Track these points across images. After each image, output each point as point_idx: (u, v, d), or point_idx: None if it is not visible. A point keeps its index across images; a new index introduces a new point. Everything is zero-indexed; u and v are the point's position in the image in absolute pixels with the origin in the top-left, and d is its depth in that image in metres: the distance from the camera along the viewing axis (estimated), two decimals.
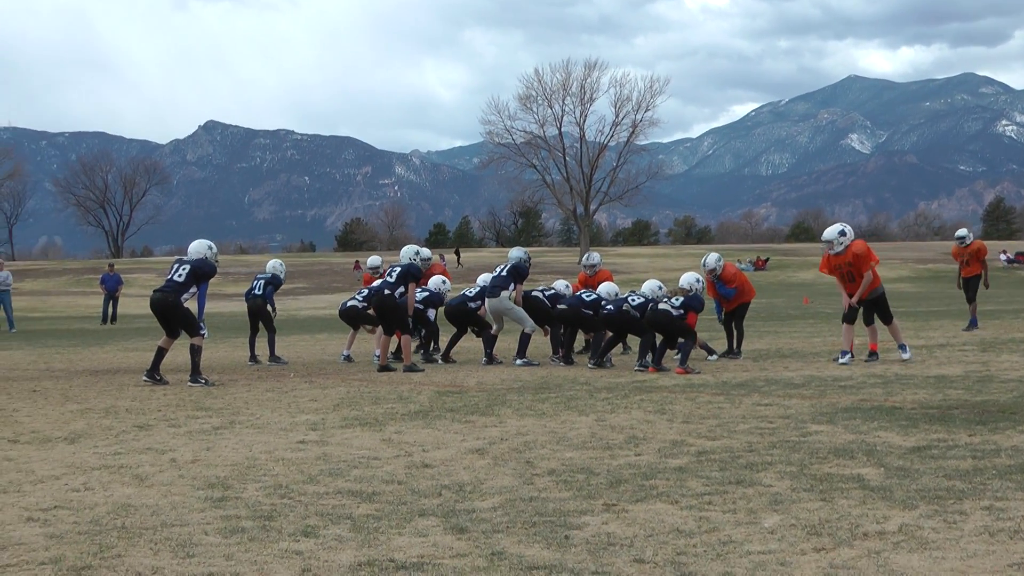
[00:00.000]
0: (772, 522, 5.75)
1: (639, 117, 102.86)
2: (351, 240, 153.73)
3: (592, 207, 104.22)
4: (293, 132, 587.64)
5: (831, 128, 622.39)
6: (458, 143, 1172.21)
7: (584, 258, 19.52)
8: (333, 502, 6.54)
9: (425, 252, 18.09)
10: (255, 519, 6.09)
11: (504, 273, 16.94)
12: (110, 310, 38.98)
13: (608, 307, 15.90)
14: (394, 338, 16.57)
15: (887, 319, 15.56)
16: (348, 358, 17.92)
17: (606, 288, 16.78)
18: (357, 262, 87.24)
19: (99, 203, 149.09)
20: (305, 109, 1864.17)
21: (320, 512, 6.25)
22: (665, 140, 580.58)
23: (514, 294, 16.68)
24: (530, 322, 16.66)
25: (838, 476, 6.93)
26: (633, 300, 15.74)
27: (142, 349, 21.95)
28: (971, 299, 21.88)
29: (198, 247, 15.07)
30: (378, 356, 16.64)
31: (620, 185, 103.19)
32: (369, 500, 6.57)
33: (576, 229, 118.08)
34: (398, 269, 16.09)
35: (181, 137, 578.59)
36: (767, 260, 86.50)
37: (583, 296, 16.60)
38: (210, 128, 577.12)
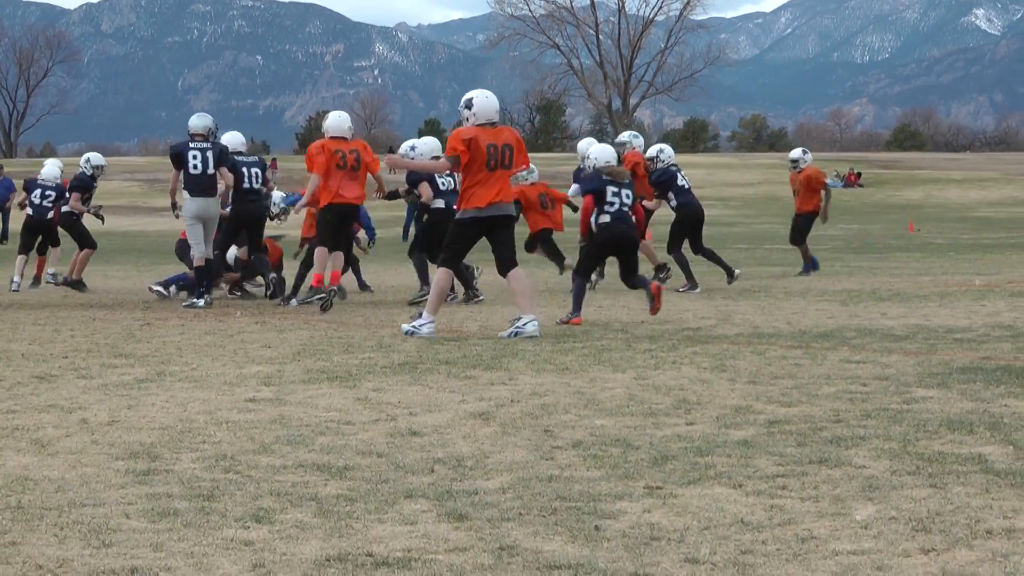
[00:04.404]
0: (866, 514, 5.74)
1: None
2: (316, 139, 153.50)
3: (632, 101, 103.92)
4: None
5: (949, 1, 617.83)
6: (457, 15, 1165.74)
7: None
8: (293, 478, 6.55)
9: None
10: (191, 499, 6.10)
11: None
12: (0, 225, 39.03)
13: None
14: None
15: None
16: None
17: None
18: (274, 160, 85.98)
19: None
20: None
21: (276, 491, 6.26)
22: (729, 15, 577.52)
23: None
24: None
25: (952, 456, 6.92)
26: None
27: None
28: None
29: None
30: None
31: (670, 73, 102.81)
32: (340, 476, 6.59)
33: (611, 129, 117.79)
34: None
35: (94, 0, 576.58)
36: (860, 175, 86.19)
37: None
38: None
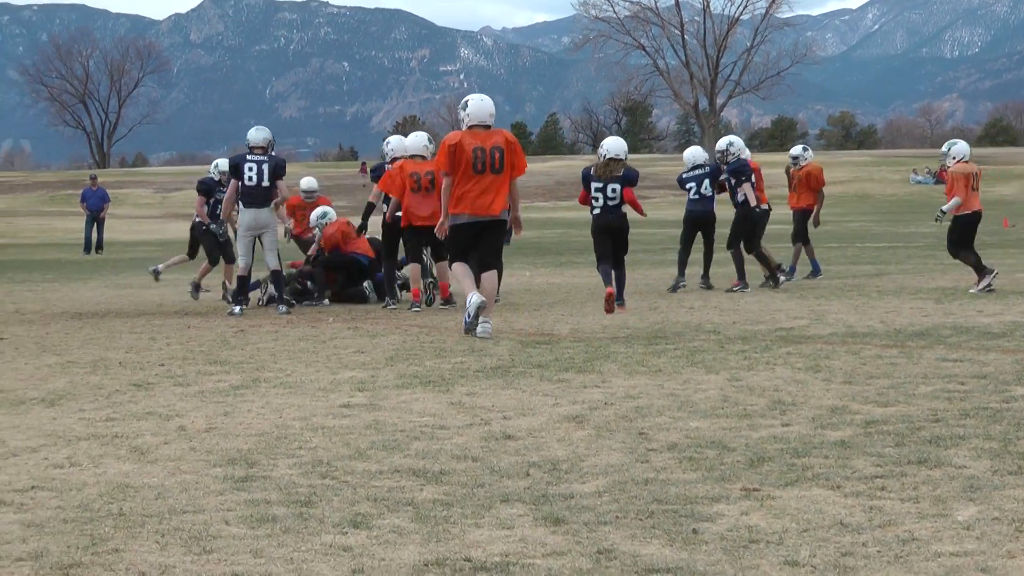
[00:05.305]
0: (968, 515, 5.69)
1: None
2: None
3: (719, 100, 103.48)
4: (327, 3, 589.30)
5: None
6: (541, 17, 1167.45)
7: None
8: (389, 483, 6.58)
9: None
10: (289, 505, 6.15)
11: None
12: (94, 235, 39.46)
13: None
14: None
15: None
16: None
17: None
18: (364, 164, 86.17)
19: (79, 97, 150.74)
20: None
21: (373, 496, 6.29)
22: (815, 12, 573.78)
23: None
24: None
25: None
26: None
27: (137, 286, 22.20)
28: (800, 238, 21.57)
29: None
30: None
31: (756, 72, 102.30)
32: (436, 481, 6.60)
33: (698, 129, 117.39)
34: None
35: (183, 11, 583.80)
36: None
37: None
38: None
